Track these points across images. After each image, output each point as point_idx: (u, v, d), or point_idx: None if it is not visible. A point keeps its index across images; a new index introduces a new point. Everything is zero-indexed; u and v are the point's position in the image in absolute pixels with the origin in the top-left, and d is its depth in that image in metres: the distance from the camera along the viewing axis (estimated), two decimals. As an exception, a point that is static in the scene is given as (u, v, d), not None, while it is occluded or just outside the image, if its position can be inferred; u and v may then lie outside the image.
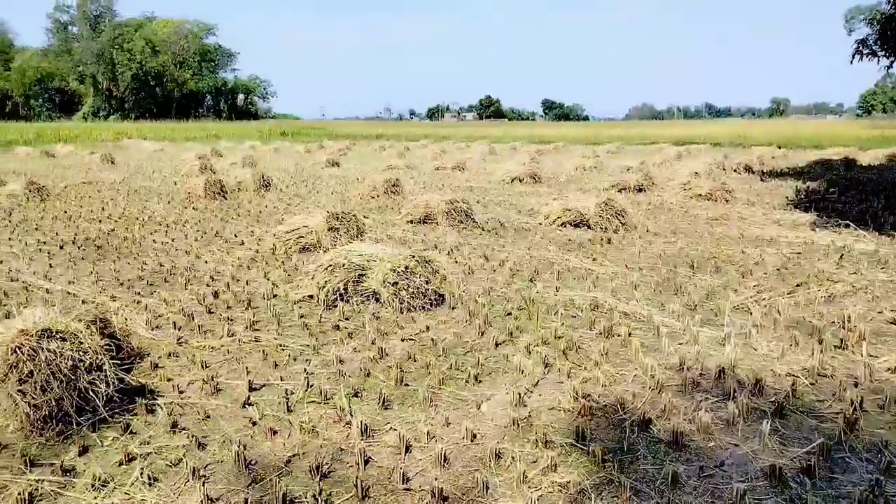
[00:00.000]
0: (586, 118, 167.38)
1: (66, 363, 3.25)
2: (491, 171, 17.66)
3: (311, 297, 5.43)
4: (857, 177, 15.74)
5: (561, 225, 9.06)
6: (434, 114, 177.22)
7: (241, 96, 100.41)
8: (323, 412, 3.41)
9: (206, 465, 2.88)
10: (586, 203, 9.08)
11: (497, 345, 4.34)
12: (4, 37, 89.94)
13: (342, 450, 3.03)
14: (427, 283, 5.38)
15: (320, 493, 2.65)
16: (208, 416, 3.35)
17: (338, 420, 3.32)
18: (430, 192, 11.62)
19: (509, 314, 5.02)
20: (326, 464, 2.89)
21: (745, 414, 3.30)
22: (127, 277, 6.17)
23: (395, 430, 3.20)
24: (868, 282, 5.85)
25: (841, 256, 6.91)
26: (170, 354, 4.16)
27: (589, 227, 8.84)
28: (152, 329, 4.64)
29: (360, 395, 3.62)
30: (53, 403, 3.17)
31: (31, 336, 3.26)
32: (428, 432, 3.13)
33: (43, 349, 3.23)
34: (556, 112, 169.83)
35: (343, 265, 5.53)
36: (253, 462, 2.90)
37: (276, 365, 4.04)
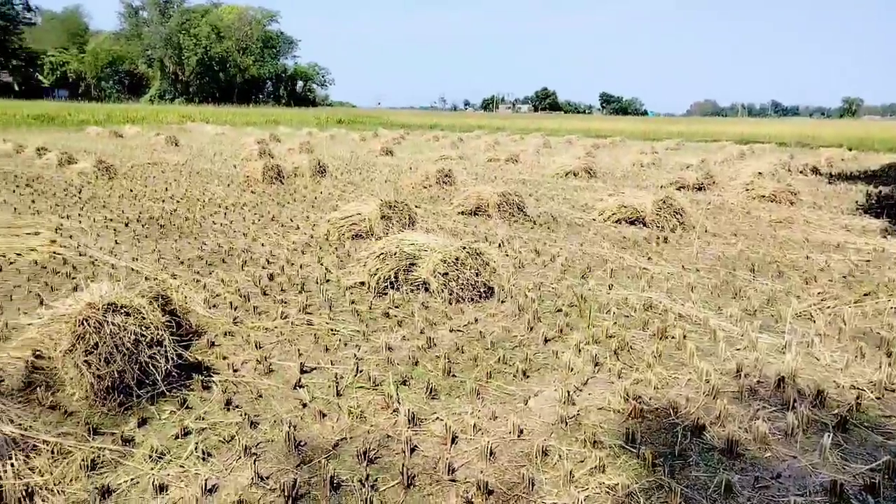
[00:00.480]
0: (645, 113, 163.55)
1: (129, 337, 3.38)
2: (545, 165, 17.47)
3: (362, 283, 5.48)
4: (936, 182, 14.86)
5: (616, 222, 8.88)
6: (489, 105, 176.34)
7: (299, 83, 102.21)
8: (371, 398, 3.44)
9: (258, 444, 2.96)
10: (643, 200, 8.87)
11: (546, 341, 4.30)
12: (80, 21, 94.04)
13: (389, 436, 3.05)
14: (477, 275, 5.36)
15: (367, 479, 2.68)
16: (261, 396, 3.44)
17: (385, 407, 3.35)
18: (482, 184, 11.57)
19: (559, 310, 4.96)
20: (373, 449, 2.92)
21: (805, 426, 3.17)
22: (187, 256, 6.38)
23: (441, 420, 3.20)
24: (945, 294, 5.52)
25: (915, 266, 6.54)
26: (226, 333, 4.28)
27: (645, 224, 8.63)
28: (210, 308, 4.78)
29: (407, 383, 3.65)
30: (116, 375, 3.30)
31: (98, 309, 3.40)
32: (474, 425, 3.12)
33: (108, 322, 3.37)
34: (614, 106, 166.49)
35: (394, 253, 5.57)
36: (302, 443, 2.96)
37: (327, 349, 4.11)
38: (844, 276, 6.12)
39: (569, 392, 3.45)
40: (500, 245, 7.25)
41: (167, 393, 3.37)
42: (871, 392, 3.58)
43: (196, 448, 2.86)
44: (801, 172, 16.87)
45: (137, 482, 2.65)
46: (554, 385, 3.63)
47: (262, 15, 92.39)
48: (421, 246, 5.59)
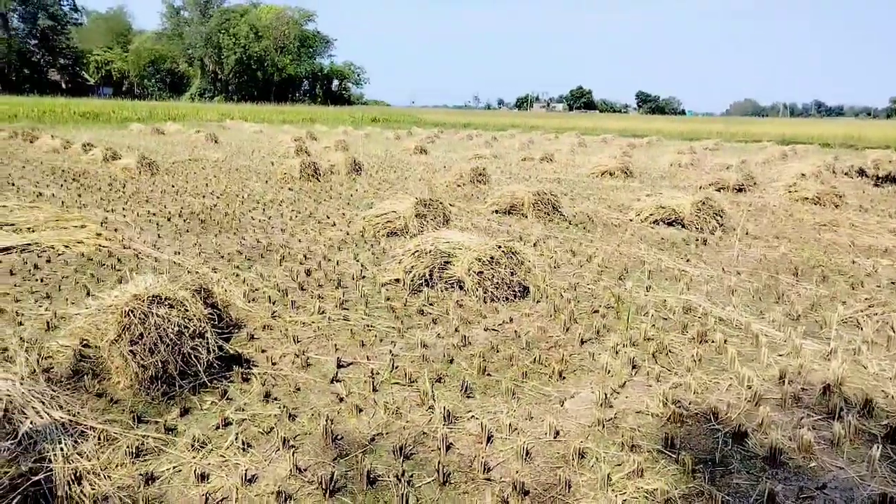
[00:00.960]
0: (682, 112, 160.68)
1: (173, 328, 3.46)
2: (580, 164, 17.31)
3: (397, 280, 5.51)
4: None
5: (653, 222, 8.75)
6: (523, 103, 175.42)
7: (335, 82, 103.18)
8: (406, 394, 3.46)
9: (296, 436, 3.00)
10: (681, 201, 8.72)
11: (583, 342, 4.26)
12: (124, 21, 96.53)
13: (424, 433, 3.06)
14: (512, 274, 5.34)
15: (403, 475, 2.69)
16: (299, 389, 3.48)
17: (421, 404, 3.36)
18: (516, 183, 11.52)
19: (596, 311, 4.91)
20: (409, 446, 2.93)
21: (852, 436, 3.07)
22: (227, 251, 6.50)
23: (476, 419, 3.20)
24: None
25: (969, 273, 6.29)
26: (264, 327, 4.35)
27: (683, 226, 8.49)
28: (249, 301, 4.86)
29: (443, 380, 3.65)
30: (159, 365, 3.39)
31: (143, 301, 3.49)
32: (510, 424, 3.11)
33: (153, 314, 3.46)
34: (651, 105, 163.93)
35: (429, 251, 5.58)
36: (339, 437, 2.99)
37: (363, 344, 4.14)
38: (893, 282, 5.92)
39: (606, 394, 3.41)
40: (535, 244, 7.21)
41: (208, 384, 3.44)
42: (923, 402, 3.46)
43: (236, 438, 2.91)
44: (846, 174, 16.36)
45: (180, 470, 2.71)
46: (591, 387, 3.60)
47: (299, 15, 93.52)
48: (456, 244, 5.60)
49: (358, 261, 6.28)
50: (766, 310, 5.03)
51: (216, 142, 21.68)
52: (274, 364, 3.78)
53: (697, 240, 7.73)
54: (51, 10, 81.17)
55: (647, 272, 6.08)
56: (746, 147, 28.85)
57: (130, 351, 3.37)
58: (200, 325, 3.57)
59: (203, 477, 2.64)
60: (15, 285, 5.11)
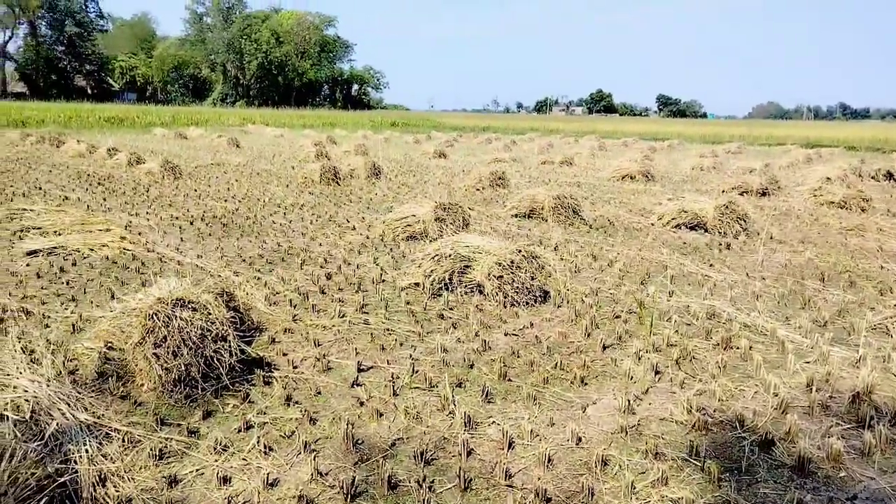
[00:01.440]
0: (704, 115, 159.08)
1: (196, 332, 3.49)
2: (600, 168, 17.20)
3: (417, 284, 5.51)
4: None
5: (675, 227, 8.65)
6: (542, 107, 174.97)
7: (355, 86, 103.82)
8: (427, 399, 3.45)
9: (317, 440, 3.00)
10: (704, 205, 8.61)
11: (604, 347, 4.21)
12: (148, 27, 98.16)
13: (445, 439, 3.05)
14: (532, 278, 5.31)
15: (424, 480, 2.68)
16: (319, 393, 3.49)
17: (441, 409, 3.34)
18: (535, 187, 11.47)
19: (618, 317, 4.86)
20: (430, 451, 2.92)
21: (883, 445, 3.00)
22: (248, 255, 6.55)
23: (497, 424, 3.18)
24: None
25: None
26: (285, 330, 4.37)
27: (706, 230, 8.38)
28: (270, 305, 4.89)
29: (463, 385, 3.64)
30: (182, 368, 3.41)
31: (167, 304, 3.52)
32: (531, 430, 3.08)
33: (176, 317, 3.49)
34: (672, 108, 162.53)
35: (449, 255, 5.57)
36: (360, 441, 2.98)
37: (383, 348, 4.14)
38: (924, 288, 5.78)
39: (629, 401, 3.37)
40: (555, 249, 7.17)
41: (230, 387, 3.46)
42: (957, 412, 3.36)
43: (258, 442, 2.92)
44: (872, 178, 16.06)
45: (202, 473, 2.72)
46: (613, 393, 3.56)
47: (319, 20, 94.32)
48: (475, 248, 5.58)
49: (378, 265, 6.29)
50: (792, 316, 4.94)
51: (238, 146, 21.91)
52: (295, 367, 3.79)
53: (721, 244, 7.63)
54: (77, 18, 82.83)
55: (669, 277, 6.00)
56: (770, 150, 28.47)
57: (154, 354, 3.40)
58: (223, 329, 3.60)
59: (225, 480, 2.65)
60: (42, 288, 5.20)
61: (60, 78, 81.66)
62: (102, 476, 2.59)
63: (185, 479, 2.68)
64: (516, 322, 4.72)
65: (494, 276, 5.21)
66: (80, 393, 3.30)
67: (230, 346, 3.56)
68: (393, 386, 3.55)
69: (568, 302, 5.16)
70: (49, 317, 4.50)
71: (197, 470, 2.74)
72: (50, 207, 8.02)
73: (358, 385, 3.59)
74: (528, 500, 2.55)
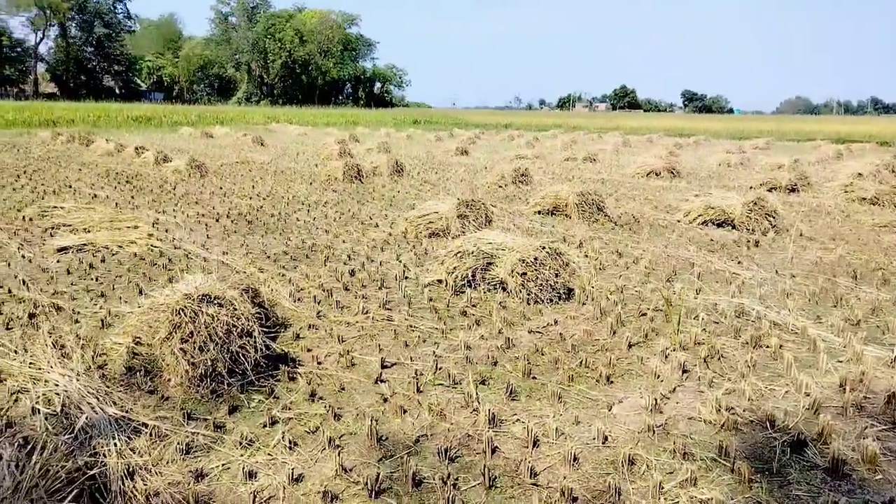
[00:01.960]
0: (730, 111, 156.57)
1: (222, 327, 3.52)
2: (624, 164, 17.02)
3: (439, 281, 5.50)
4: None
5: (702, 224, 8.52)
6: (565, 104, 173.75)
7: (377, 84, 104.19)
8: (451, 396, 3.43)
9: (341, 436, 3.00)
10: (731, 201, 8.47)
11: (630, 346, 4.16)
12: (175, 27, 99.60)
13: (469, 436, 3.03)
14: (556, 275, 5.26)
15: (448, 477, 2.66)
16: (343, 389, 3.49)
17: (465, 405, 3.33)
18: (559, 183, 11.38)
19: (644, 314, 4.79)
20: (454, 448, 2.90)
21: (922, 448, 2.91)
22: (273, 251, 6.60)
23: (522, 422, 3.15)
24: None
25: None
26: (310, 326, 4.39)
27: (734, 227, 8.24)
28: (295, 301, 4.92)
29: (487, 382, 3.61)
30: (209, 363, 3.45)
31: (193, 300, 3.56)
32: (556, 429, 3.05)
33: (203, 312, 3.52)
34: (697, 104, 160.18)
35: (472, 252, 5.55)
36: (384, 438, 2.98)
37: (407, 345, 4.13)
38: (962, 287, 5.61)
39: (656, 400, 3.32)
40: (579, 246, 7.10)
41: (255, 382, 3.48)
42: None
43: (283, 437, 2.93)
44: (907, 174, 15.63)
45: (228, 467, 2.74)
46: (639, 392, 3.51)
47: (342, 18, 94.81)
48: (498, 245, 5.55)
49: (401, 261, 6.29)
50: (823, 314, 4.83)
51: (262, 144, 22.11)
52: (319, 363, 3.81)
53: (749, 241, 7.49)
54: (106, 19, 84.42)
55: (696, 274, 5.91)
56: (799, 146, 27.93)
57: (181, 349, 3.44)
58: (248, 325, 3.62)
59: (251, 475, 2.67)
60: (72, 284, 5.29)
61: (90, 78, 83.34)
62: (130, 469, 2.62)
63: (211, 473, 2.70)
64: (540, 319, 4.68)
65: (518, 273, 5.17)
66: (108, 387, 3.34)
67: (255, 342, 3.59)
68: (416, 382, 3.54)
69: (593, 299, 5.11)
70: (79, 312, 4.57)
71: (223, 464, 2.76)
72: (79, 205, 8.17)
73: (382, 381, 3.59)
74: (554, 498, 2.53)
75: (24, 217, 7.80)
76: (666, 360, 3.92)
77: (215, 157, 16.93)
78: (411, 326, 4.47)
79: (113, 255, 6.32)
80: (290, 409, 3.26)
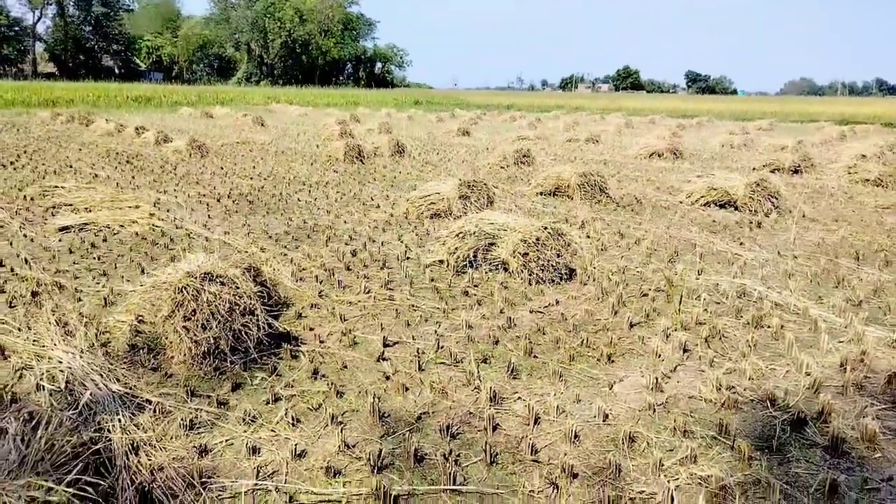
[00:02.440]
0: (734, 92, 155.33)
1: (224, 305, 3.53)
2: (627, 145, 16.93)
3: (441, 261, 5.50)
4: None
5: (704, 205, 8.50)
6: (567, 84, 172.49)
7: (378, 64, 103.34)
8: (452, 374, 3.45)
9: (344, 413, 3.02)
10: (734, 183, 8.43)
11: (632, 325, 4.17)
12: (173, 6, 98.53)
13: (471, 413, 3.05)
14: (558, 256, 5.26)
15: (450, 454, 2.69)
16: (345, 367, 3.51)
17: (467, 384, 3.34)
18: (561, 164, 11.33)
19: (645, 295, 4.80)
20: (455, 425, 2.92)
21: (921, 427, 2.92)
22: (275, 231, 6.59)
23: (523, 400, 3.17)
24: None
25: None
26: (312, 306, 4.40)
27: (736, 208, 8.22)
28: (297, 281, 4.92)
29: (488, 361, 3.63)
30: (211, 341, 3.46)
31: (196, 278, 3.56)
32: (557, 406, 3.07)
33: (205, 291, 3.53)
34: (701, 85, 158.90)
35: (473, 233, 5.54)
36: (386, 415, 3.00)
37: (408, 324, 4.14)
38: (964, 268, 5.61)
39: (657, 379, 3.33)
40: (581, 226, 7.09)
41: (258, 360, 3.50)
42: None
43: (286, 414, 2.95)
44: (911, 155, 15.55)
45: (232, 443, 2.76)
46: (640, 371, 3.52)
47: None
48: (500, 225, 5.54)
49: (402, 242, 6.29)
50: (825, 295, 4.83)
51: (263, 125, 22.00)
52: (321, 342, 3.82)
53: (751, 222, 7.48)
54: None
55: (698, 255, 5.90)
56: (802, 127, 27.76)
57: (184, 326, 3.45)
58: (250, 303, 3.63)
59: (254, 450, 2.69)
60: (74, 263, 5.30)
61: (88, 58, 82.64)
62: (135, 445, 2.65)
63: (215, 449, 2.72)
64: (542, 299, 4.69)
65: (519, 254, 5.17)
66: (112, 364, 3.36)
67: (258, 320, 3.60)
68: (418, 361, 3.55)
69: (594, 280, 5.11)
70: (81, 290, 4.58)
71: (226, 440, 2.78)
72: (80, 185, 8.15)
73: (384, 360, 3.61)
74: (555, 475, 2.55)
75: (25, 196, 7.79)
76: (667, 339, 3.93)
77: (216, 138, 16.85)
78: (413, 306, 4.47)
79: (114, 234, 6.32)
80: (292, 386, 3.28)
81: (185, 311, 3.47)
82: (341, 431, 2.79)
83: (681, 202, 8.73)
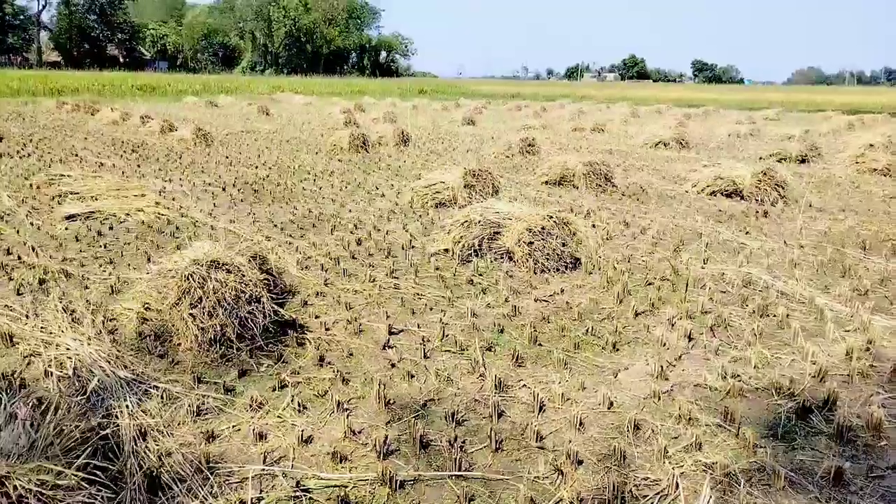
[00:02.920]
0: (741, 81, 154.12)
1: (230, 293, 3.54)
2: (633, 135, 16.85)
3: (446, 250, 5.50)
4: None
5: (710, 194, 8.46)
6: (573, 73, 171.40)
7: (383, 53, 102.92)
8: (457, 362, 3.46)
9: (349, 399, 3.04)
10: (741, 172, 8.39)
11: (637, 314, 4.16)
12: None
13: (476, 400, 3.06)
14: (563, 245, 5.25)
15: (455, 440, 2.70)
16: (351, 354, 3.52)
17: (472, 371, 3.35)
18: (566, 154, 11.28)
19: (650, 284, 4.79)
20: (461, 412, 2.93)
21: (927, 415, 2.92)
22: (280, 220, 6.60)
23: (528, 387, 3.18)
24: None
25: None
26: (317, 294, 4.41)
27: (742, 198, 8.17)
28: (302, 269, 4.94)
29: (493, 349, 3.64)
30: (218, 328, 3.48)
31: (202, 266, 3.57)
32: (562, 394, 3.07)
33: (211, 278, 3.54)
34: (708, 74, 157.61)
35: (478, 222, 5.53)
36: (392, 402, 3.01)
37: (414, 312, 4.15)
38: (972, 258, 5.57)
39: (661, 367, 3.33)
40: (586, 215, 7.07)
41: (264, 347, 3.52)
42: None
43: (292, 400, 2.97)
44: (920, 145, 15.41)
45: (239, 429, 2.78)
46: (645, 359, 3.52)
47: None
48: (505, 214, 5.53)
49: (407, 231, 6.29)
50: (831, 284, 4.81)
51: (267, 114, 21.98)
52: (327, 330, 3.83)
53: (758, 212, 7.44)
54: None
55: (704, 244, 5.89)
56: (810, 117, 27.54)
57: (191, 314, 3.46)
58: (256, 290, 3.64)
59: (261, 436, 2.71)
60: (80, 251, 5.32)
61: (93, 47, 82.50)
62: (143, 430, 2.67)
63: (222, 435, 2.74)
64: (547, 288, 4.69)
65: (524, 243, 5.16)
66: (119, 352, 3.39)
67: (264, 308, 3.61)
68: (423, 349, 3.56)
69: (600, 269, 5.11)
70: (88, 278, 4.61)
71: (233, 426, 2.80)
72: (86, 173, 8.16)
73: (389, 347, 3.62)
74: (560, 461, 2.56)
75: (31, 185, 7.81)
76: (672, 328, 3.93)
77: (221, 127, 16.84)
78: (418, 294, 4.48)
79: (121, 222, 6.34)
80: (298, 373, 3.29)
81: (192, 298, 3.49)
82: (347, 418, 2.81)
83: (687, 192, 8.69)
